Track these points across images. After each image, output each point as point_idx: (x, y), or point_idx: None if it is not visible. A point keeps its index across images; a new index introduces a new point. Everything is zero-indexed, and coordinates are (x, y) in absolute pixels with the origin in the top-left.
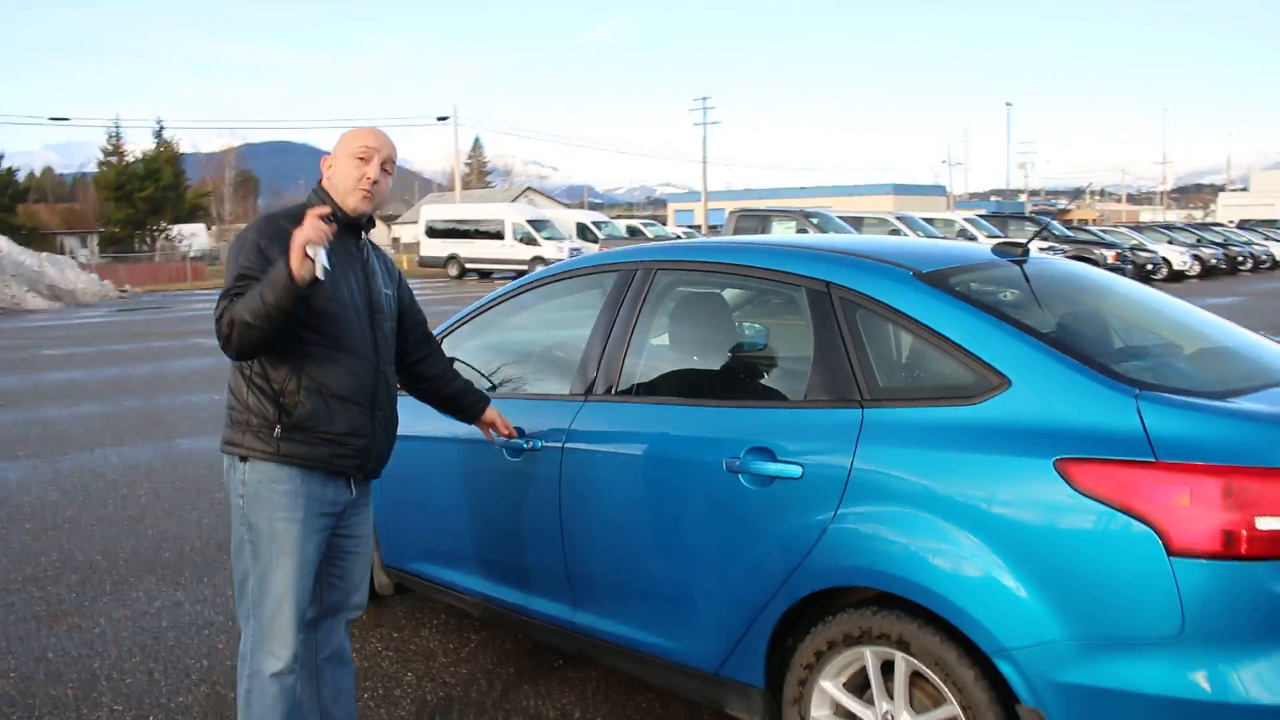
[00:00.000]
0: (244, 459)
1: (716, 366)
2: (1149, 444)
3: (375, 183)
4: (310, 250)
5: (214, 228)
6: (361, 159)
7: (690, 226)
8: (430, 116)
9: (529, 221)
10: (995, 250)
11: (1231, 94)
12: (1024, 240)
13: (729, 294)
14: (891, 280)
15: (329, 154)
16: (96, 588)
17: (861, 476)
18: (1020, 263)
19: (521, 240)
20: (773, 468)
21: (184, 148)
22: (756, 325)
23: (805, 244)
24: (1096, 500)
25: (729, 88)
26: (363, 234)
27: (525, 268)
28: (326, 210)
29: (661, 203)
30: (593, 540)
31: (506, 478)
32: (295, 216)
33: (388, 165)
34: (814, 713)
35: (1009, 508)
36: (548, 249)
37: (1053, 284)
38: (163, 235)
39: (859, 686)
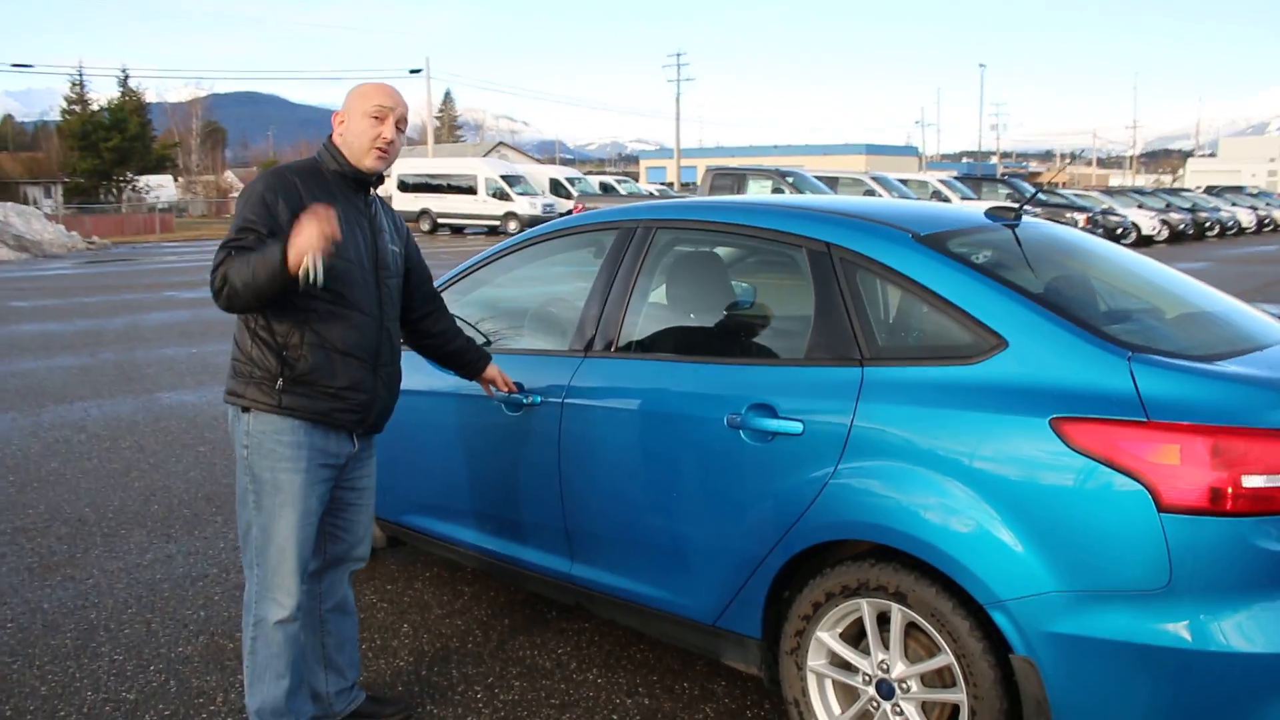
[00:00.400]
0: (246, 410)
1: (717, 325)
2: (1140, 404)
3: (390, 142)
4: (309, 259)
5: (181, 179)
6: (376, 118)
7: (663, 184)
8: (401, 69)
9: (502, 177)
10: (988, 214)
11: (1201, 61)
12: (1016, 205)
13: (727, 252)
14: (891, 242)
15: (339, 110)
16: (87, 540)
17: (861, 433)
18: (1013, 227)
19: (494, 195)
20: (774, 424)
21: (150, 98)
22: (744, 285)
23: (807, 205)
24: (1089, 457)
25: (702, 44)
26: (371, 190)
27: (498, 223)
28: (332, 214)
29: (633, 159)
30: (592, 494)
31: (504, 432)
32: (306, 173)
33: (401, 124)
34: (810, 662)
35: (1005, 465)
36: (521, 204)
37: (1044, 248)
38: (129, 186)
39: (854, 637)
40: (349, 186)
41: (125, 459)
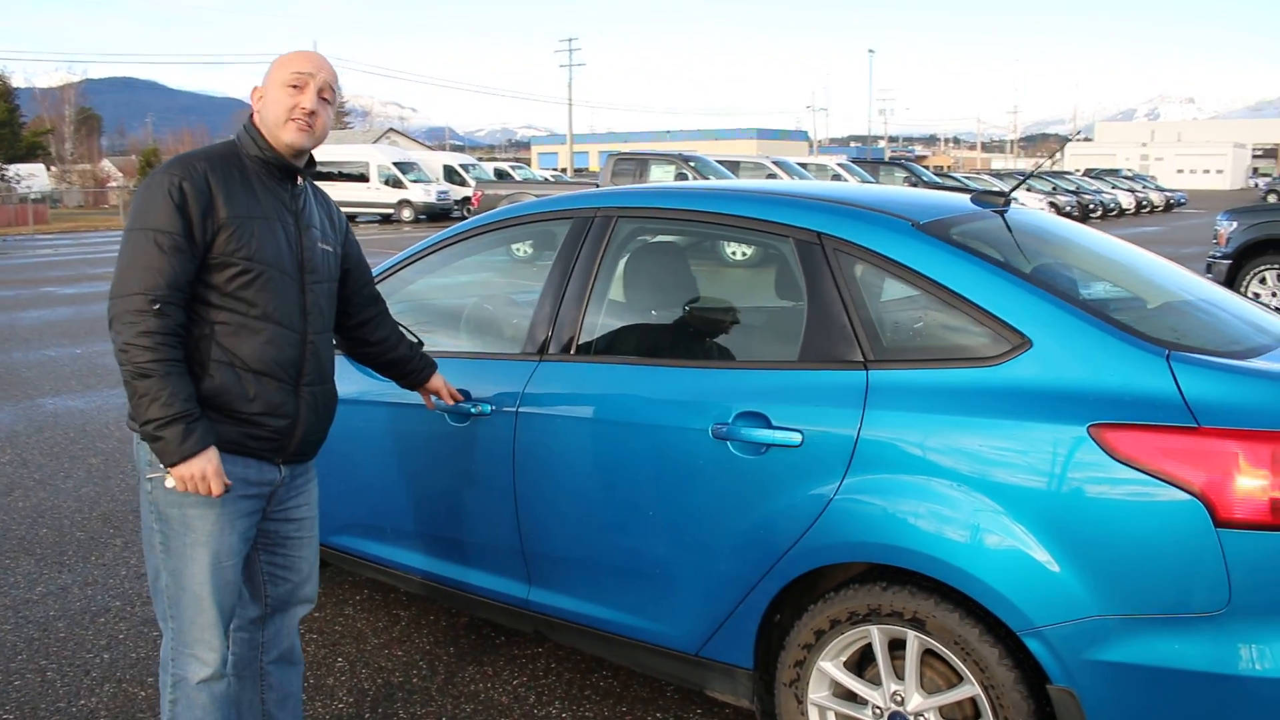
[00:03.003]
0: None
1: (693, 324)
2: (1187, 408)
3: (312, 113)
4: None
5: (54, 168)
6: (295, 86)
7: (557, 169)
8: (285, 52)
9: (395, 164)
10: (974, 201)
11: (1077, 47)
12: (1006, 190)
13: (699, 244)
14: (891, 231)
15: (258, 85)
16: None
17: (870, 444)
18: (1002, 213)
19: (387, 183)
20: (768, 435)
21: (18, 82)
22: (721, 279)
23: (790, 191)
24: (1136, 468)
25: (591, 28)
26: (299, 179)
27: (391, 211)
28: (228, 486)
29: (524, 145)
30: (554, 513)
31: (449, 445)
32: (218, 161)
33: (325, 93)
34: (812, 695)
35: (1038, 477)
36: (415, 192)
37: (1033, 236)
38: None
39: (857, 665)
40: (272, 175)
41: (6, 476)
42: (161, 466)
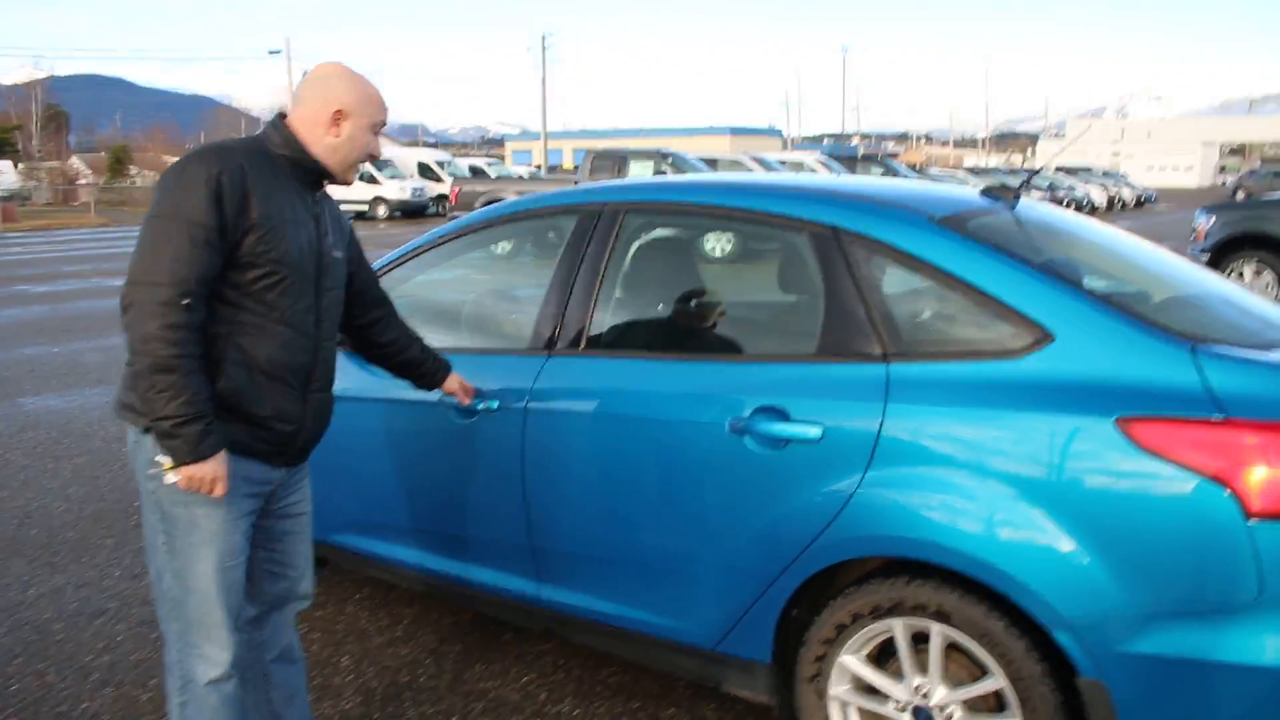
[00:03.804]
0: (148, 431)
1: (705, 318)
2: (1214, 400)
3: (378, 156)
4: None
5: (22, 165)
6: (375, 133)
7: (532, 166)
8: (257, 49)
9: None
10: (984, 194)
11: (1049, 45)
12: (1014, 185)
13: (710, 237)
14: (908, 224)
15: (334, 100)
16: None
17: (892, 438)
18: (1013, 207)
19: (362, 179)
20: (787, 429)
21: None
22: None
23: (802, 185)
24: (1163, 461)
25: (565, 24)
26: (323, 184)
27: (365, 208)
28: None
29: (497, 142)
30: (565, 509)
31: (454, 441)
32: (253, 157)
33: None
34: (833, 689)
35: (1064, 470)
36: (390, 188)
37: (1042, 229)
38: None
39: (878, 659)
40: (299, 178)
41: None
42: (162, 463)
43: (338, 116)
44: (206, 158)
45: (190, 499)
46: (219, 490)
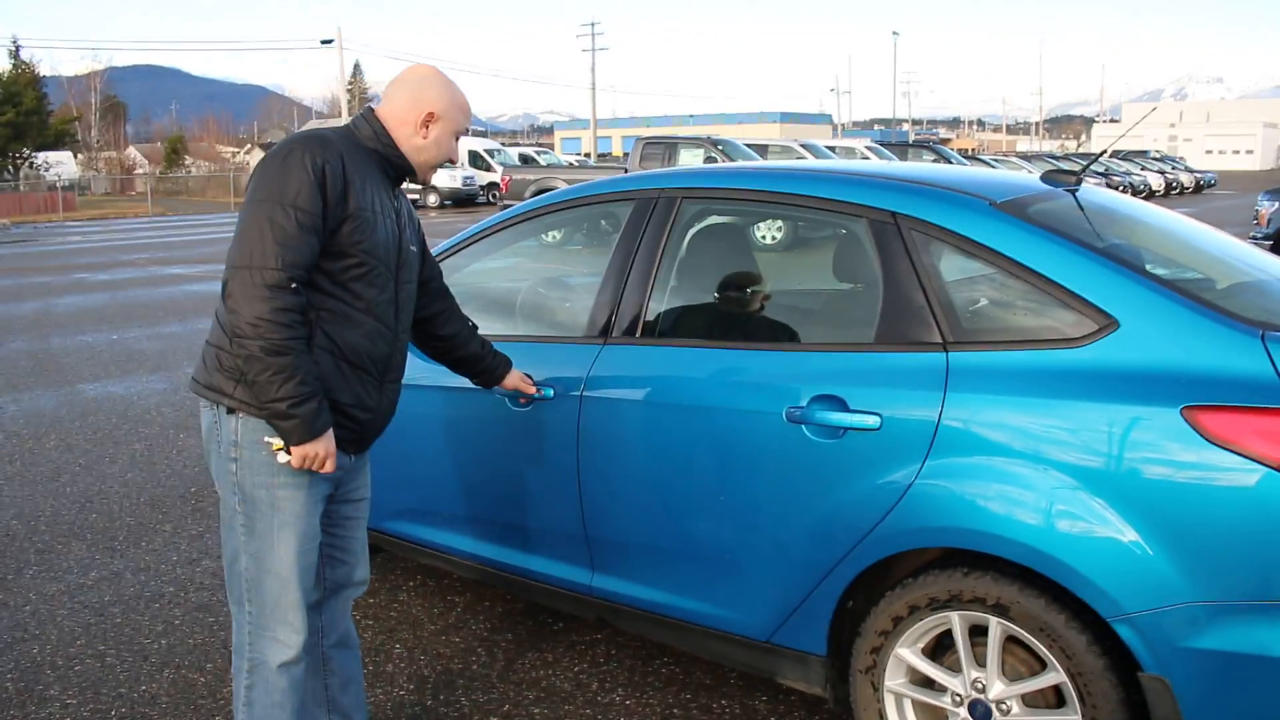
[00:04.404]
0: (232, 411)
1: (762, 306)
2: None
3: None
4: (306, 460)
5: (81, 156)
6: (457, 139)
7: (581, 154)
8: (309, 39)
9: None
10: (1045, 179)
11: (1103, 27)
12: (1075, 169)
13: (766, 224)
14: (968, 210)
15: (426, 102)
16: (19, 559)
17: (952, 427)
18: (1074, 192)
19: None
20: (845, 418)
21: (44, 70)
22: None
23: (860, 171)
24: (1232, 451)
25: (614, 12)
26: (404, 180)
27: (417, 197)
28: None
29: (546, 130)
30: (619, 498)
31: (508, 429)
32: (348, 147)
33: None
34: (889, 682)
35: (1129, 461)
36: (440, 177)
37: (1104, 214)
38: (26, 163)
39: (933, 652)
40: (385, 172)
41: (52, 461)
42: (272, 443)
43: (429, 119)
44: (310, 145)
45: (274, 480)
46: (329, 466)
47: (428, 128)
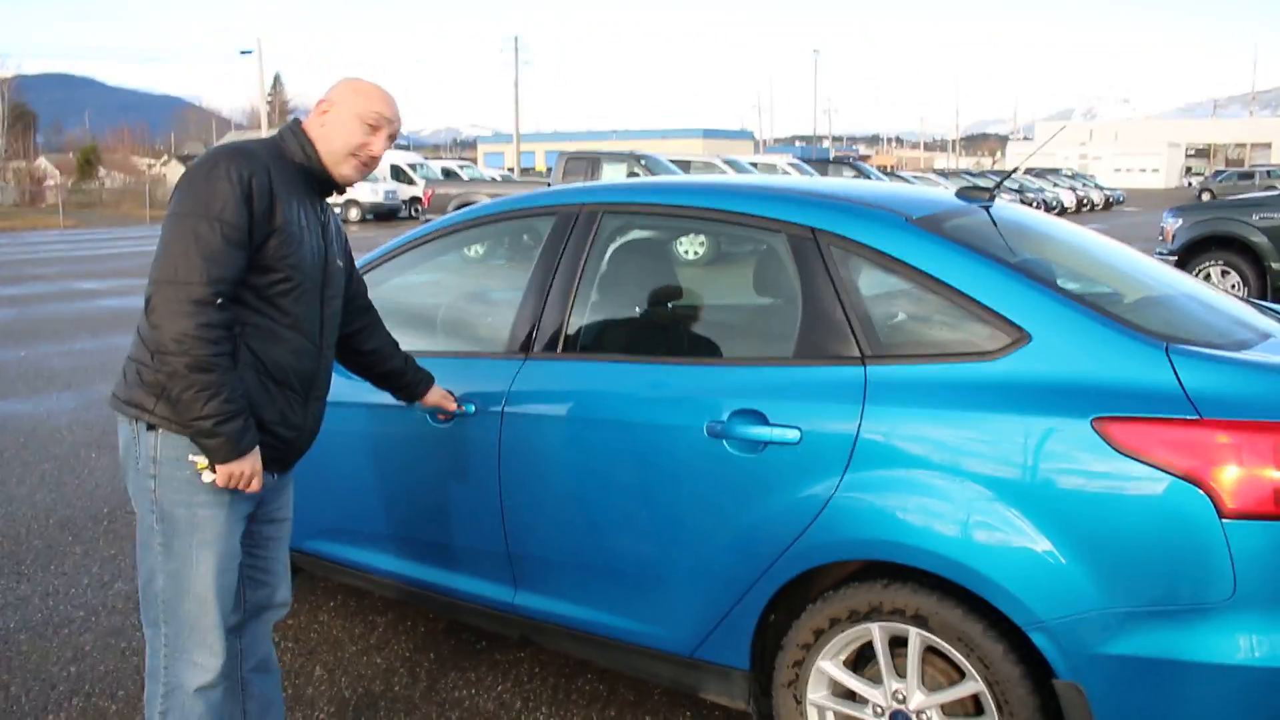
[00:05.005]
0: (152, 428)
1: (682, 321)
2: (1189, 400)
3: (375, 159)
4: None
5: None
6: (372, 126)
7: (505, 169)
8: (227, 50)
9: None
10: (960, 195)
11: (1016, 47)
12: (989, 186)
13: (683, 240)
14: (886, 226)
15: (325, 98)
16: None
17: (870, 440)
18: (988, 208)
19: None
20: (765, 432)
21: None
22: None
23: (780, 186)
24: (1139, 461)
25: (537, 26)
26: (329, 193)
27: (338, 211)
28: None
29: (470, 144)
30: (541, 515)
31: (428, 446)
32: (274, 160)
33: (391, 139)
34: (811, 695)
35: (1042, 471)
36: (362, 191)
37: (1016, 230)
38: None
39: (855, 664)
40: (311, 186)
41: None
42: (196, 462)
43: (322, 106)
44: (236, 158)
45: (194, 499)
46: (256, 485)
47: (324, 114)
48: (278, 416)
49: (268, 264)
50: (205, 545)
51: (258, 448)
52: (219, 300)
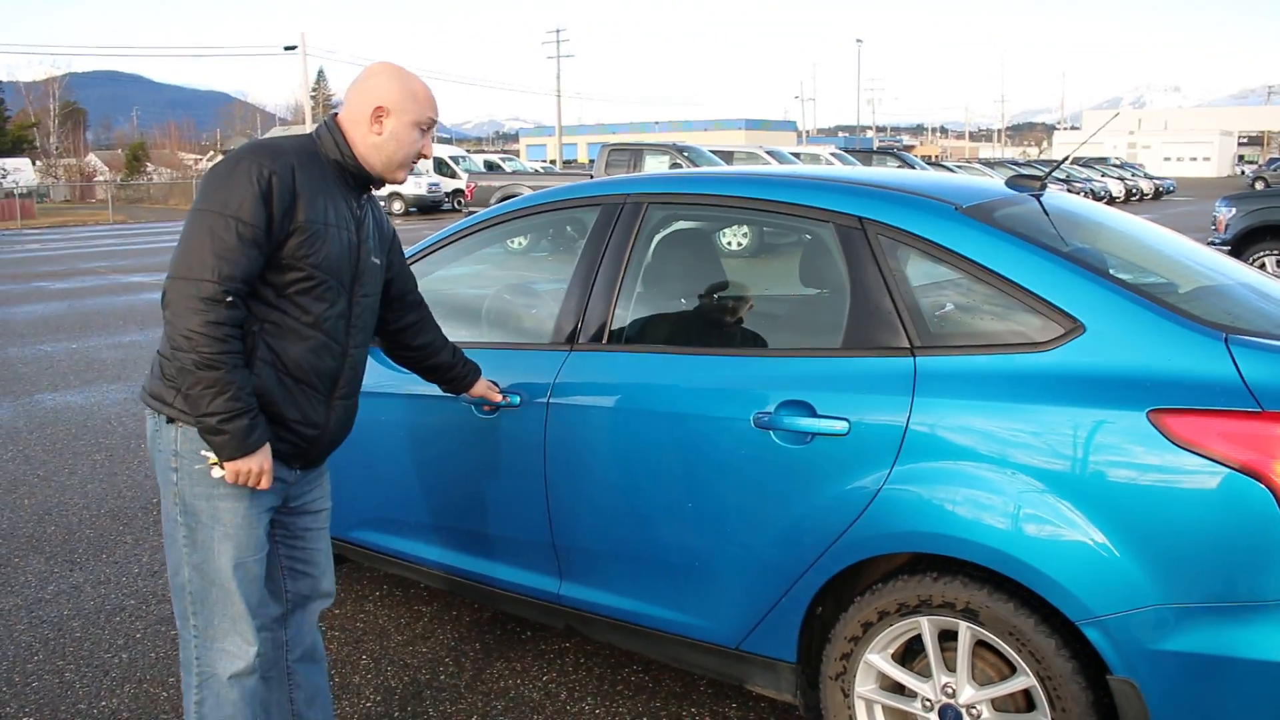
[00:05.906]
0: (172, 421)
1: (729, 312)
2: (1249, 392)
3: (427, 158)
4: (238, 476)
5: (40, 162)
6: (423, 130)
7: (547, 161)
8: (272, 45)
9: None
10: (1010, 184)
11: (1064, 35)
12: (1039, 175)
13: (733, 230)
14: (935, 215)
15: (375, 96)
16: None
17: (920, 432)
18: (1039, 197)
19: None
20: (813, 423)
21: (0, 76)
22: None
23: (827, 176)
24: (1197, 454)
25: (580, 19)
26: (370, 188)
27: (382, 204)
28: (268, 484)
29: (512, 137)
30: (587, 506)
31: (474, 437)
32: (303, 157)
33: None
34: (859, 688)
35: (1095, 464)
36: (405, 184)
37: (1068, 219)
38: None
39: (903, 657)
40: (345, 182)
41: (9, 473)
42: (207, 457)
43: (379, 113)
44: (259, 155)
45: (214, 492)
46: (265, 483)
47: (381, 122)
48: (298, 414)
49: (288, 262)
50: (227, 538)
51: (267, 445)
52: (229, 298)
